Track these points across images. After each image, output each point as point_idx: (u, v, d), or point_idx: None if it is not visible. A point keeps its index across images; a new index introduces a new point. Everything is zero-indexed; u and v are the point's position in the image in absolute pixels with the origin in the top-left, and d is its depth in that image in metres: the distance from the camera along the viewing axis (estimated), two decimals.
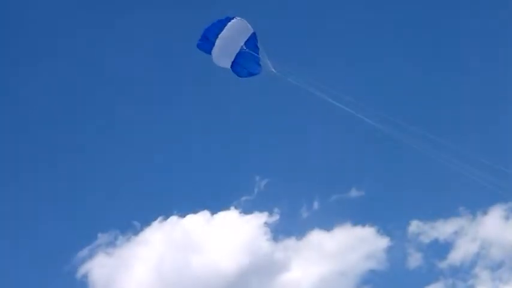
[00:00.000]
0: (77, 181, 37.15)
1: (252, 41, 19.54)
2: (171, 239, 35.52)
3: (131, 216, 35.79)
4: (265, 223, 35.49)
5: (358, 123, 34.52)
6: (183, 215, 35.75)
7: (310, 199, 35.52)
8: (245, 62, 19.57)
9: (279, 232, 35.24)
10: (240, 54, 19.43)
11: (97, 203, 36.23)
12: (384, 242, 34.26)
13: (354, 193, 35.41)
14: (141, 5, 38.93)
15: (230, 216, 35.98)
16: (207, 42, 19.39)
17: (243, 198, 36.09)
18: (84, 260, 34.35)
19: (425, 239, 34.01)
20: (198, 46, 19.59)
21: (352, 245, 34.80)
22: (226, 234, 35.33)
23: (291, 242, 35.23)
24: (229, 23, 19.23)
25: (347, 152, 36.48)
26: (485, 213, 33.92)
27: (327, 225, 34.89)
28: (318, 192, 35.71)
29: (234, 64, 19.59)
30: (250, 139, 38.08)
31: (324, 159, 36.27)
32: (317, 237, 35.13)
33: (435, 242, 33.85)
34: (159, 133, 38.39)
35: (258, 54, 19.51)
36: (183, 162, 37.97)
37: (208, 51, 19.48)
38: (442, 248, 33.67)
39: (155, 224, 35.64)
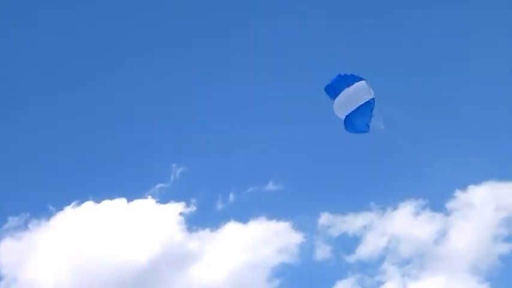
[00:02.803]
0: None
1: (368, 105, 21.33)
2: (85, 225, 35.03)
3: (45, 200, 35.47)
4: (181, 213, 35.47)
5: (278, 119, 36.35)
6: (98, 200, 35.47)
7: (226, 191, 35.66)
8: (356, 120, 21.46)
9: (193, 223, 35.21)
10: (354, 112, 21.30)
11: (8, 185, 35.64)
12: (297, 237, 34.41)
13: (271, 187, 35.58)
14: None
15: (146, 205, 35.77)
16: (333, 89, 21.34)
17: (158, 185, 36.06)
18: None
19: (335, 232, 34.22)
20: (325, 90, 21.48)
21: (266, 238, 34.92)
22: (141, 223, 34.96)
23: (205, 233, 35.25)
24: (358, 83, 21.25)
25: (266, 145, 36.56)
26: (395, 208, 34.37)
27: (242, 218, 35.00)
28: (234, 184, 35.91)
29: (346, 118, 21.47)
30: (169, 125, 38.09)
31: (242, 151, 36.39)
32: (232, 229, 35.17)
33: (344, 236, 34.06)
34: (78, 118, 38.28)
35: (370, 117, 21.42)
36: (100, 147, 37.72)
37: (332, 98, 21.42)
38: (351, 242, 33.87)
39: (69, 209, 35.34)
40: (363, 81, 21.28)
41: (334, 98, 21.40)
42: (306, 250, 33.99)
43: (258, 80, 37.80)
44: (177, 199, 35.66)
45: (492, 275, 32.09)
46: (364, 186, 34.78)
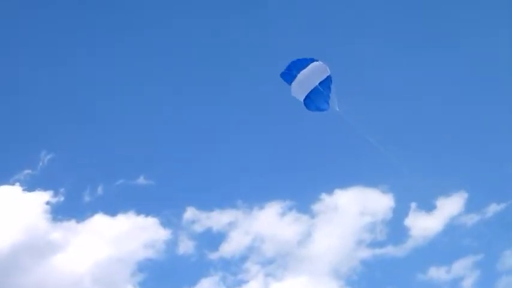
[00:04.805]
0: None
1: (326, 82, 21.96)
2: None
3: None
4: (47, 202, 34.57)
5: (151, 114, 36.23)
6: None
7: (96, 181, 35.01)
8: (316, 99, 21.99)
9: (59, 213, 34.28)
10: (313, 91, 21.90)
11: None
12: (165, 233, 34.10)
13: (141, 181, 35.12)
14: None
15: (12, 191, 34.76)
16: (290, 74, 22.02)
17: (26, 171, 34.97)
18: None
19: (199, 228, 33.99)
20: (282, 75, 22.20)
21: (133, 233, 34.50)
22: (4, 210, 33.97)
23: (71, 224, 34.36)
24: (312, 63, 21.94)
25: (139, 139, 36.31)
26: (262, 208, 34.30)
27: (111, 211, 34.36)
28: (104, 175, 35.32)
29: (306, 98, 22.05)
30: (40, 110, 37.07)
31: (114, 141, 36.22)
32: (99, 221, 34.49)
33: (208, 232, 33.87)
34: None
35: (329, 94, 21.96)
36: None
37: (289, 83, 22.07)
38: (214, 239, 33.72)
39: None
40: (318, 62, 21.91)
41: (291, 82, 21.99)
42: (171, 246, 33.82)
43: (136, 69, 37.61)
44: (45, 187, 34.87)
45: (353, 279, 32.55)
46: (232, 183, 34.91)
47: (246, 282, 32.76)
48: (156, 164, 35.63)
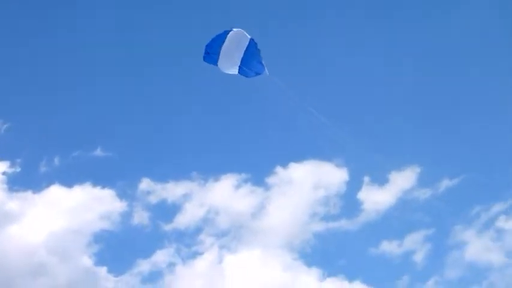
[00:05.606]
0: None
1: (251, 46, 21.45)
2: None
3: None
4: (4, 172, 34.42)
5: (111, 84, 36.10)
6: None
7: (52, 152, 34.98)
8: (250, 65, 21.51)
9: (16, 183, 34.24)
10: (243, 60, 21.43)
11: None
12: (121, 205, 34.18)
13: (99, 152, 35.17)
14: None
15: None
16: (211, 56, 21.47)
17: None
18: None
19: (154, 199, 34.09)
20: (204, 60, 21.58)
21: (89, 204, 34.45)
22: None
23: (27, 194, 34.34)
24: (228, 35, 21.29)
25: (98, 108, 36.45)
26: (217, 180, 34.49)
27: (67, 182, 34.35)
28: (61, 146, 35.35)
29: (240, 69, 21.57)
30: None
31: (72, 111, 36.09)
32: (55, 192, 34.44)
33: (163, 203, 33.95)
34: None
35: (259, 56, 21.51)
36: None
37: (215, 63, 21.54)
38: (169, 210, 33.82)
39: None
40: (232, 30, 21.45)
41: (217, 62, 21.60)
42: (126, 217, 33.92)
43: (94, 40, 37.39)
44: (1, 157, 34.73)
45: (306, 252, 32.83)
46: (188, 155, 35.10)
47: (200, 254, 33.08)
48: (113, 136, 35.75)
